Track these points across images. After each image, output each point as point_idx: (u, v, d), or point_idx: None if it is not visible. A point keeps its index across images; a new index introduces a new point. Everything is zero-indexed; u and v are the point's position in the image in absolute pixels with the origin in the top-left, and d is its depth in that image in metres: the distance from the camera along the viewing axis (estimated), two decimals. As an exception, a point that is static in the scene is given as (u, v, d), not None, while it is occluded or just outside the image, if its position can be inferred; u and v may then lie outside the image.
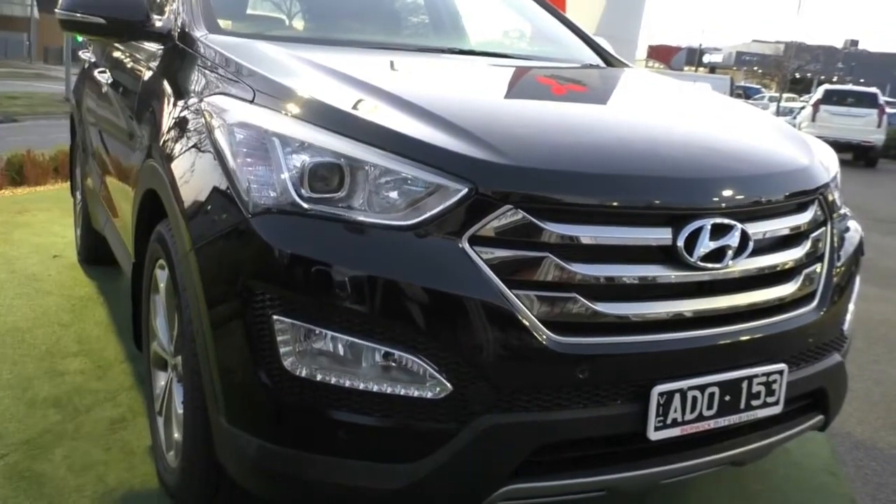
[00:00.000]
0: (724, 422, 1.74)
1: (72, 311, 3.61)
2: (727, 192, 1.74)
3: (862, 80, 48.02)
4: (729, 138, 2.08)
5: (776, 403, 1.80)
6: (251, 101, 1.83)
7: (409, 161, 1.61)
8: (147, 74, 2.56)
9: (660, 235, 1.66)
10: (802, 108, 21.44)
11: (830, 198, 2.07)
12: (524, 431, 1.58)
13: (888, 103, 19.32)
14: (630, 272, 1.64)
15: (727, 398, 1.73)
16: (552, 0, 3.69)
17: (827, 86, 20.36)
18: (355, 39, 2.64)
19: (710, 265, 1.69)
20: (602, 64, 3.00)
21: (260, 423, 1.63)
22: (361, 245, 1.58)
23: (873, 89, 18.87)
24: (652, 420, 1.64)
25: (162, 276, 2.13)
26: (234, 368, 1.65)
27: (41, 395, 2.74)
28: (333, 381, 1.56)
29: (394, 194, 1.60)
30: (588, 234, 1.61)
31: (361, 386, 1.56)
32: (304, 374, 1.57)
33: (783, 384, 1.80)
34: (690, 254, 1.66)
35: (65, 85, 23.00)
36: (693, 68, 47.82)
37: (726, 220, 1.71)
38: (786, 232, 1.87)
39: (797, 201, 1.92)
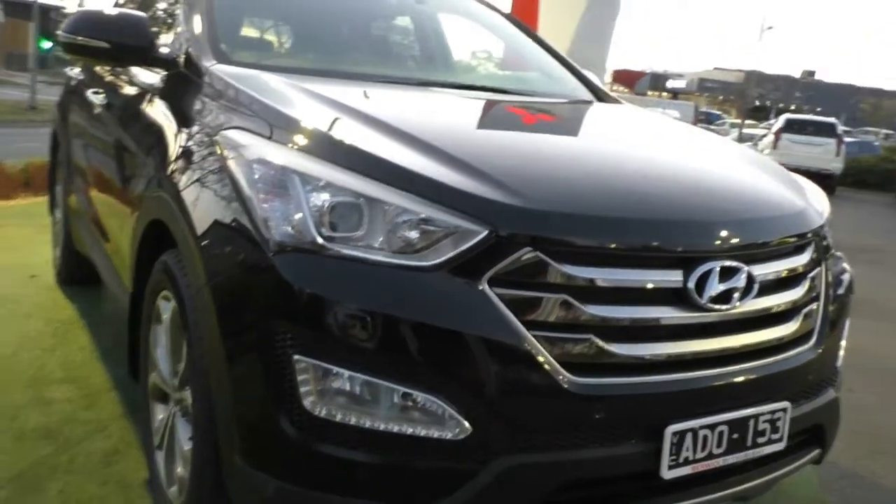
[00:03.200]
0: (732, 459, 1.78)
1: (54, 335, 3.55)
2: (734, 236, 1.80)
3: (818, 109, 49.41)
4: (732, 181, 2.15)
5: (780, 440, 1.85)
6: (269, 137, 1.84)
7: (429, 202, 1.63)
8: (150, 101, 2.55)
9: (671, 277, 1.70)
10: (763, 135, 21.96)
11: (824, 239, 2.14)
12: (543, 471, 1.60)
13: (845, 132, 19.89)
14: (643, 314, 1.68)
15: (735, 436, 1.77)
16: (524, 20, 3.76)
17: (788, 115, 20.91)
18: (361, 72, 2.66)
19: (718, 306, 1.74)
20: (594, 99, 3.07)
21: (278, 463, 1.63)
22: (382, 285, 1.60)
23: (832, 119, 19.44)
24: (665, 459, 1.67)
25: (166, 307, 2.11)
26: (252, 406, 1.65)
27: (30, 426, 2.69)
28: (353, 421, 1.57)
29: (413, 235, 1.62)
30: (603, 277, 1.65)
31: (382, 426, 1.56)
32: (324, 414, 1.57)
33: (787, 421, 1.85)
34: (701, 295, 1.71)
35: (30, 93, 22.62)
36: (657, 93, 48.72)
37: (734, 263, 1.76)
38: (786, 273, 1.93)
39: (796, 243, 1.98)
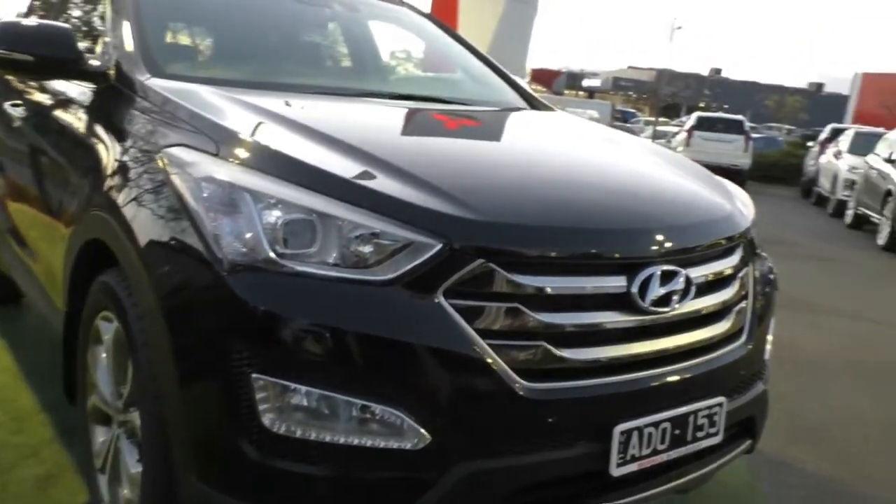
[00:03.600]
0: (674, 454, 1.86)
1: (-27, 358, 3.39)
2: (672, 241, 1.88)
3: (725, 106, 51.33)
4: (668, 188, 2.25)
5: (717, 434, 1.95)
6: (215, 154, 1.82)
7: (382, 217, 1.66)
8: (81, 116, 2.46)
9: (616, 283, 1.78)
10: (676, 133, 22.72)
11: (751, 240, 2.26)
12: (500, 476, 1.65)
13: (751, 128, 20.78)
14: (591, 319, 1.75)
15: (677, 432, 1.85)
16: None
17: (699, 113, 21.70)
18: (299, 84, 2.65)
19: (660, 309, 1.82)
20: (527, 107, 3.14)
21: (238, 482, 1.62)
22: (338, 301, 1.61)
23: (740, 117, 20.26)
24: (614, 458, 1.74)
25: (107, 327, 2.06)
26: (209, 426, 1.64)
27: (-45, 455, 2.57)
28: (314, 436, 1.58)
29: (367, 250, 1.64)
30: (553, 285, 1.70)
31: (342, 440, 1.58)
32: (283, 431, 1.58)
33: (723, 415, 1.95)
34: (643, 299, 1.79)
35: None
36: (574, 92, 49.76)
37: (672, 267, 1.85)
38: (718, 274, 2.03)
39: (726, 246, 2.09)
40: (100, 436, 2.20)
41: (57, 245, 2.42)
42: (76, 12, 3.37)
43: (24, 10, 3.92)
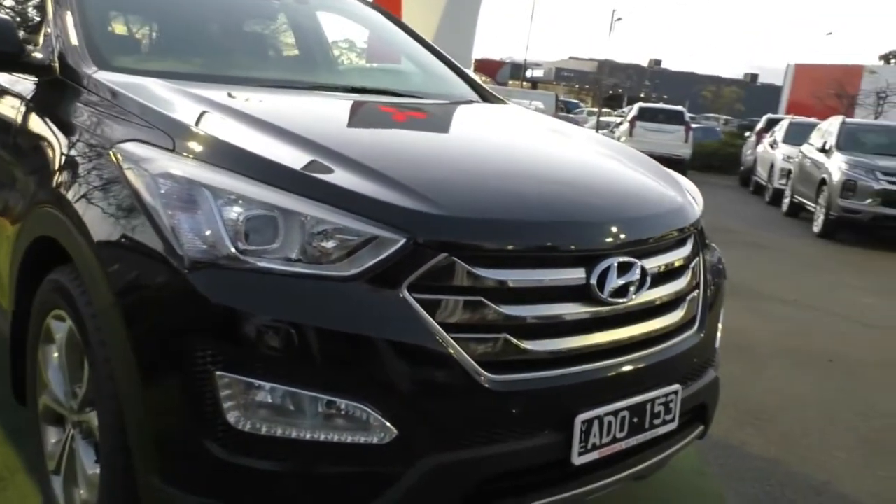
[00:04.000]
0: (633, 441, 1.91)
1: None
2: (628, 233, 1.93)
3: (665, 97, 52.32)
4: (623, 181, 2.30)
5: (673, 420, 2.01)
6: (171, 150, 1.79)
7: (344, 212, 1.66)
8: (24, 110, 2.38)
9: (575, 275, 1.81)
10: (619, 123, 23.10)
11: (701, 230, 2.33)
12: (466, 467, 1.67)
13: (690, 119, 21.25)
14: (552, 310, 1.78)
15: (635, 420, 1.90)
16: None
17: (641, 104, 22.08)
18: (249, 76, 2.61)
19: (617, 300, 1.86)
20: (479, 99, 3.15)
21: (202, 481, 1.61)
22: (302, 296, 1.61)
23: (680, 108, 20.73)
24: (576, 446, 1.78)
25: (59, 326, 2.02)
26: (171, 425, 1.62)
27: None
28: (279, 433, 1.58)
29: (330, 245, 1.64)
30: (514, 277, 1.73)
31: (308, 436, 1.58)
32: (248, 428, 1.57)
33: (678, 402, 2.01)
34: (602, 290, 1.83)
35: None
36: (518, 83, 50.06)
37: (628, 259, 1.89)
38: (672, 265, 2.09)
39: (678, 237, 2.15)
40: (52, 436, 2.15)
41: (1, 242, 2.35)
42: (10, 2, 3.25)
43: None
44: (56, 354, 2.07)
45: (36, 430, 2.20)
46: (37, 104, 2.35)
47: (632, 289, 1.89)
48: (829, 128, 11.65)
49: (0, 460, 2.52)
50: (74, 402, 1.98)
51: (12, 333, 2.28)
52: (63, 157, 2.06)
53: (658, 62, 79.42)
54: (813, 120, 15.05)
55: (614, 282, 1.84)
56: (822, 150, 11.09)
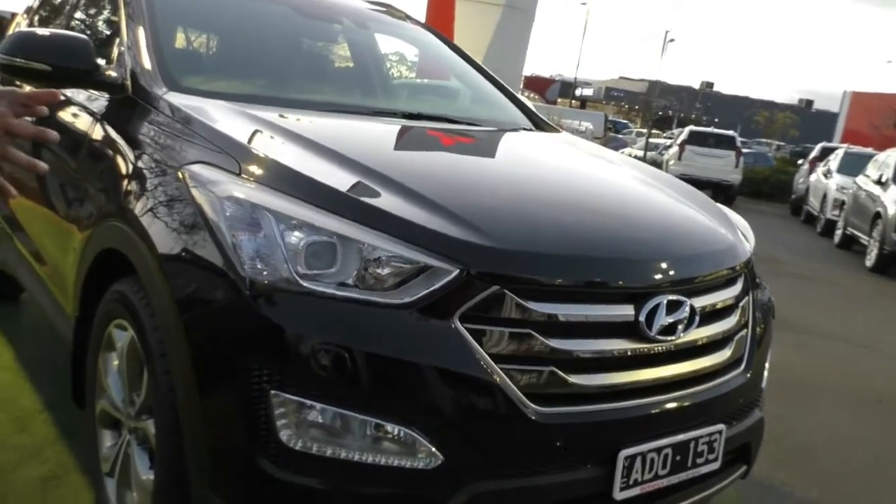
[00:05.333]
0: (675, 479, 1.92)
1: (-27, 354, 3.41)
2: (679, 271, 1.94)
3: (716, 120, 51.75)
4: (675, 218, 2.31)
5: (716, 460, 2.01)
6: (237, 174, 1.86)
7: (401, 241, 1.70)
8: (96, 126, 2.49)
9: (624, 312, 1.83)
10: (668, 145, 22.89)
11: (752, 269, 2.32)
12: (508, 497, 1.69)
13: (742, 143, 20.98)
14: (599, 346, 1.80)
15: (678, 458, 1.91)
16: (439, 29, 3.89)
17: (692, 127, 21.85)
18: (316, 101, 2.68)
19: (665, 338, 1.87)
20: (533, 128, 3.19)
21: (254, 497, 1.66)
22: (356, 322, 1.65)
23: (731, 132, 20.44)
24: (618, 481, 1.79)
25: (120, 335, 2.10)
26: (226, 440, 1.68)
27: (-42, 453, 2.59)
28: (329, 453, 1.62)
29: (386, 272, 1.68)
30: (564, 312, 1.76)
31: (357, 458, 1.62)
32: (299, 446, 1.62)
33: (722, 442, 2.01)
34: (650, 328, 1.84)
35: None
36: (566, 101, 50.00)
37: (678, 297, 1.90)
38: (721, 304, 2.09)
39: (729, 276, 2.15)
40: (108, 440, 2.23)
41: (68, 251, 2.45)
42: (83, 17, 3.39)
43: (27, 10, 3.92)
44: (116, 362, 2.15)
45: (92, 433, 2.29)
46: (109, 121, 2.45)
47: (680, 327, 1.90)
48: (887, 160, 11.39)
49: (55, 458, 2.62)
50: (132, 408, 2.05)
51: (75, 339, 2.37)
52: (132, 174, 2.15)
53: (710, 85, 78.58)
54: (869, 150, 14.74)
55: (663, 319, 1.86)
56: (879, 182, 10.85)
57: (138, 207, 2.01)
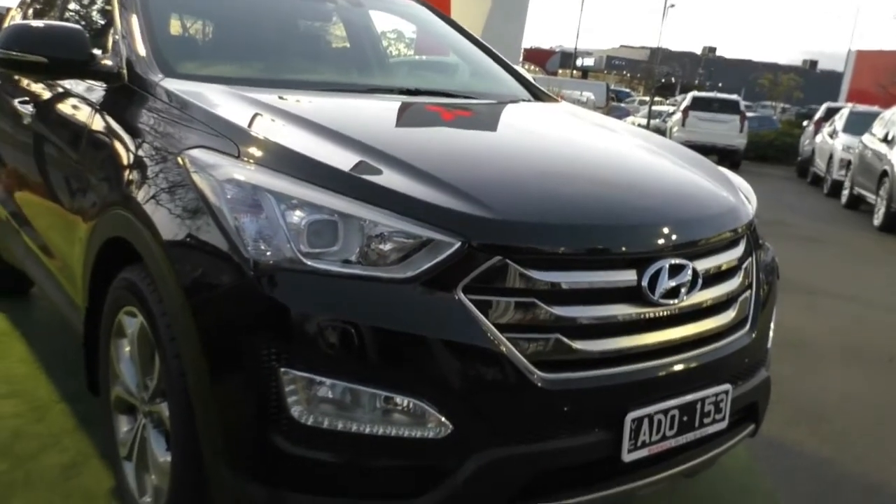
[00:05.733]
0: (682, 440, 1.94)
1: (-12, 348, 3.45)
2: (681, 235, 1.95)
3: (720, 85, 51.31)
4: (676, 182, 2.31)
5: (723, 419, 2.03)
6: (237, 156, 1.87)
7: (401, 216, 1.72)
8: (95, 116, 2.50)
9: (627, 277, 1.84)
10: (672, 112, 22.75)
11: (755, 230, 2.33)
12: (518, 463, 1.72)
13: (746, 107, 20.82)
14: (602, 312, 1.81)
15: (685, 419, 1.93)
16: (436, 2, 3.88)
17: (695, 93, 21.68)
18: (311, 80, 2.69)
19: (668, 301, 1.89)
20: (532, 99, 3.19)
21: (268, 471, 1.69)
22: (361, 297, 1.67)
23: (735, 97, 20.29)
24: (626, 444, 1.82)
25: (130, 322, 2.13)
26: (239, 418, 1.71)
27: (-22, 445, 2.64)
28: (340, 426, 1.65)
29: (388, 248, 1.70)
30: (567, 279, 1.77)
31: (367, 430, 1.65)
32: (311, 422, 1.65)
33: (728, 402, 2.03)
34: (653, 292, 1.86)
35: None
36: (567, 71, 49.65)
37: (680, 261, 1.91)
38: (724, 266, 2.10)
39: (731, 238, 2.16)
40: (124, 425, 2.27)
41: (74, 242, 2.48)
42: (77, 8, 3.39)
43: (21, 3, 3.92)
44: (128, 348, 2.18)
45: (108, 419, 2.33)
46: (107, 110, 2.47)
47: (683, 290, 1.91)
48: (893, 117, 11.30)
49: (74, 446, 2.67)
50: (146, 393, 2.09)
51: (86, 328, 2.40)
52: (133, 162, 2.16)
53: (712, 49, 77.86)
54: (875, 109, 14.61)
55: (665, 283, 1.87)
56: (885, 140, 10.78)
57: (141, 195, 2.03)
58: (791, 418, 3.42)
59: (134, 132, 2.25)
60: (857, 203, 11.63)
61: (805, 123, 20.29)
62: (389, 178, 1.80)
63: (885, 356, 4.56)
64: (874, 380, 4.13)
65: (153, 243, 1.91)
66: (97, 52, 2.59)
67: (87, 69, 2.52)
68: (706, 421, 1.99)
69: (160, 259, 1.88)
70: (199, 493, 1.84)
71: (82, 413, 2.87)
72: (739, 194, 2.37)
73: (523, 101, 3.13)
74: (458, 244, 1.68)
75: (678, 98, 28.45)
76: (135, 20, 2.57)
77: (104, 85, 2.54)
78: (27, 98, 3.10)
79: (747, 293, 2.20)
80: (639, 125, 14.44)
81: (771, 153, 20.18)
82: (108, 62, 2.53)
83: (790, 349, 4.39)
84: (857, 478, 2.94)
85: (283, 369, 1.64)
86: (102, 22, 2.97)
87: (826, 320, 5.25)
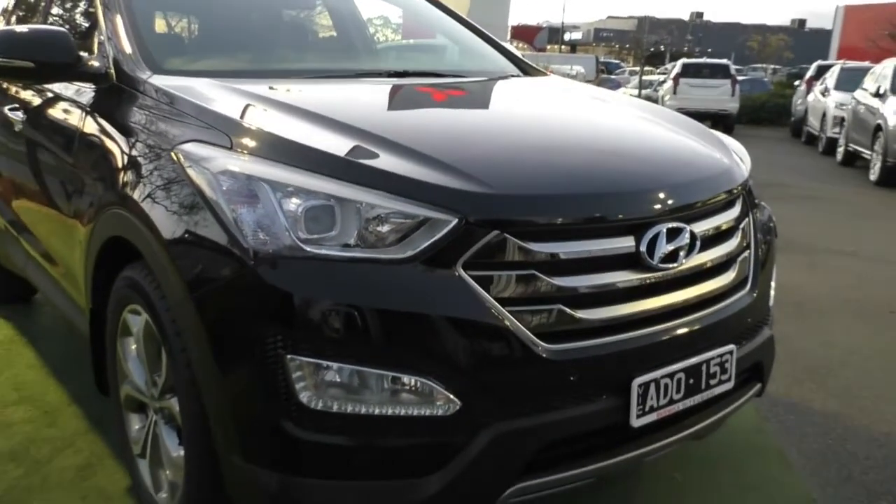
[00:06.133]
0: (689, 402, 1.96)
1: (-4, 356, 3.47)
2: (676, 199, 1.95)
3: (709, 50, 51.03)
4: (668, 147, 2.31)
5: (729, 380, 2.05)
6: (229, 148, 1.88)
7: (397, 197, 1.72)
8: (86, 118, 2.50)
9: (625, 244, 1.85)
10: (662, 81, 22.66)
11: (750, 191, 2.33)
12: (527, 435, 1.74)
13: (737, 71, 20.74)
14: (603, 280, 1.82)
15: (691, 381, 1.95)
16: None
17: (684, 60, 21.58)
18: (297, 69, 2.69)
19: (668, 265, 1.90)
20: (520, 74, 3.18)
21: (281, 458, 1.71)
22: (362, 280, 1.68)
23: (725, 61, 20.21)
24: (634, 409, 1.83)
25: (135, 320, 2.14)
26: (249, 407, 1.72)
27: (-6, 451, 2.66)
28: (349, 409, 1.66)
29: (385, 230, 1.71)
30: (565, 250, 1.78)
31: (376, 411, 1.67)
32: (320, 406, 1.66)
33: (733, 362, 2.05)
34: (652, 257, 1.86)
35: None
36: (556, 47, 49.39)
37: (677, 224, 1.92)
38: (721, 227, 2.11)
39: (727, 199, 2.16)
40: (135, 423, 2.29)
41: (75, 246, 2.48)
42: (60, 12, 3.38)
43: (2, 10, 3.90)
44: (134, 346, 2.20)
45: (119, 419, 2.35)
46: (97, 111, 2.46)
47: (681, 253, 1.92)
48: (884, 71, 11.25)
49: (88, 447, 2.69)
50: (155, 389, 2.10)
51: (91, 330, 2.41)
52: (127, 161, 2.16)
53: (700, 14, 77.27)
54: (866, 64, 14.56)
55: (664, 248, 1.88)
56: (877, 94, 10.74)
57: (137, 193, 2.03)
58: (796, 376, 3.44)
59: (126, 131, 2.24)
60: (852, 160, 11.62)
61: (796, 83, 20.23)
62: (383, 160, 1.80)
63: (887, 309, 4.57)
64: (877, 334, 4.15)
65: (153, 240, 1.91)
66: (83, 54, 2.59)
67: (74, 71, 2.51)
68: (712, 382, 2.00)
69: (161, 255, 1.89)
70: (214, 484, 1.86)
71: (93, 414, 2.89)
72: (733, 155, 2.38)
73: (513, 76, 3.12)
74: (455, 221, 1.69)
75: (668, 66, 28.32)
76: (119, 20, 2.56)
77: (93, 86, 2.54)
78: (16, 105, 3.10)
79: (746, 253, 2.21)
80: (630, 96, 14.40)
81: (764, 115, 20.12)
82: (96, 63, 2.52)
83: (792, 308, 4.41)
84: (864, 430, 2.96)
85: (289, 356, 1.65)
86: (87, 24, 2.96)
87: (827, 277, 5.27)
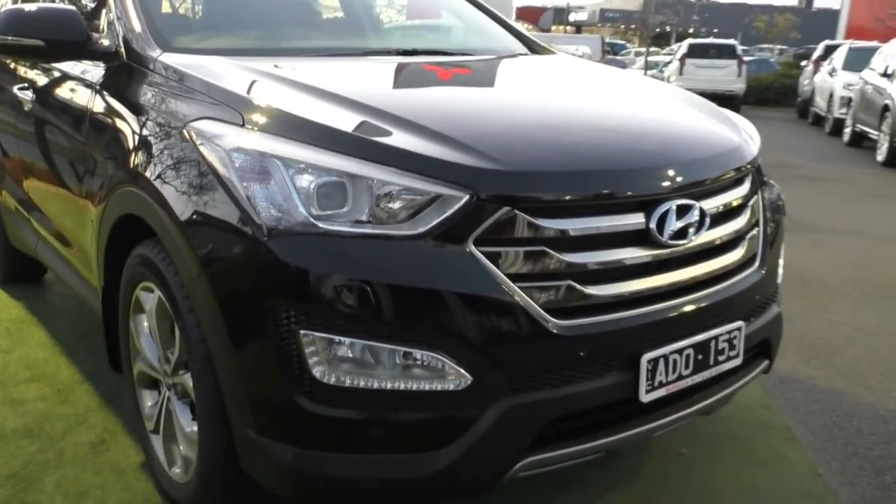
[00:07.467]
0: (698, 378, 1.97)
1: (8, 335, 3.50)
2: (686, 176, 1.96)
3: (715, 30, 50.63)
4: (677, 124, 2.31)
5: (737, 356, 2.06)
6: (241, 125, 1.88)
7: (409, 173, 1.73)
8: (96, 96, 2.50)
9: (635, 220, 1.86)
10: (668, 62, 22.52)
11: (759, 168, 2.34)
12: (537, 409, 1.76)
13: (743, 51, 20.60)
14: (612, 256, 1.83)
15: (700, 357, 1.96)
16: None
17: (690, 40, 21.46)
18: (306, 47, 2.69)
19: (677, 242, 1.91)
20: (528, 52, 3.18)
21: (293, 431, 1.73)
22: (374, 256, 1.70)
23: (732, 41, 20.12)
24: (643, 385, 1.85)
25: (148, 297, 2.16)
26: (263, 382, 1.74)
27: (8, 427, 2.69)
28: (362, 384, 1.68)
29: (397, 206, 1.72)
30: (575, 226, 1.79)
31: (389, 386, 1.69)
32: (333, 381, 1.68)
33: (742, 339, 2.06)
34: (661, 234, 1.87)
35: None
36: (561, 27, 49.08)
37: (687, 201, 1.93)
38: (730, 204, 2.11)
39: (736, 176, 2.16)
40: (148, 399, 2.31)
41: (87, 225, 2.50)
42: None
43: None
44: (147, 323, 2.22)
45: (132, 395, 2.37)
46: (108, 90, 2.47)
47: (691, 230, 1.93)
48: (892, 51, 11.18)
49: (101, 424, 2.72)
50: (168, 366, 2.12)
51: (104, 308, 2.44)
52: (139, 139, 2.17)
53: (706, -6, 76.58)
54: (874, 44, 14.43)
55: (673, 224, 1.88)
56: (885, 74, 10.66)
57: (149, 171, 2.05)
58: (803, 354, 3.46)
59: (137, 109, 2.25)
60: (859, 140, 11.56)
61: (803, 64, 20.08)
62: (394, 137, 1.81)
63: (893, 289, 4.58)
64: (883, 312, 4.15)
65: (166, 218, 1.93)
66: (94, 33, 2.59)
67: (84, 50, 2.52)
68: (721, 358, 2.02)
69: (174, 233, 1.90)
70: (228, 458, 1.88)
71: (105, 391, 2.93)
72: (742, 133, 2.37)
73: (521, 54, 3.12)
74: (466, 198, 1.70)
75: (674, 46, 28.12)
76: None
77: (103, 64, 2.54)
78: (26, 84, 3.10)
79: (755, 231, 2.22)
80: (636, 76, 14.32)
81: (770, 96, 20.01)
82: (105, 42, 2.52)
83: (799, 286, 4.42)
84: (870, 407, 2.98)
85: (302, 331, 1.67)
86: (94, 3, 2.95)
87: (834, 257, 5.27)
